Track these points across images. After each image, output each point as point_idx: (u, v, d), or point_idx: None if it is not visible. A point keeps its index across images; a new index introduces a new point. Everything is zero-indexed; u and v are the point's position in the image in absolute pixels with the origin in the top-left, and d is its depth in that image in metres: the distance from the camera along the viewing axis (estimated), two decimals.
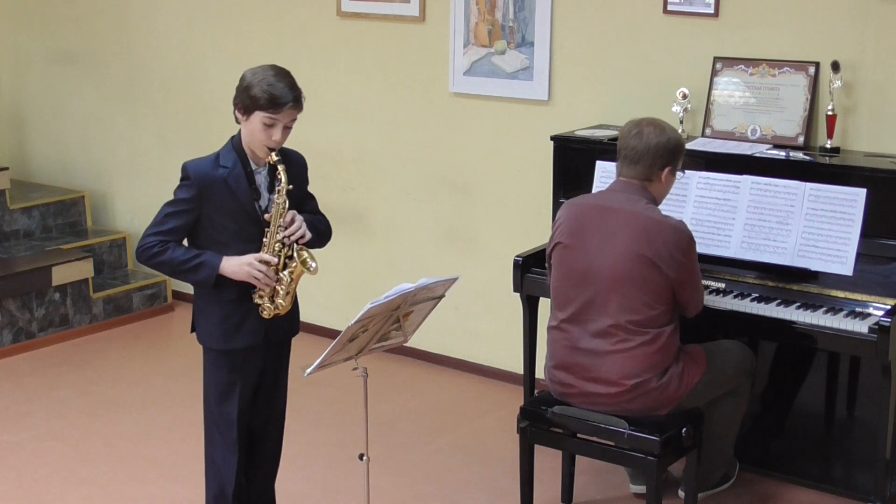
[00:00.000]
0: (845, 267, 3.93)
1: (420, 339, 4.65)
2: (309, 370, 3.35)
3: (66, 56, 6.78)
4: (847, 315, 3.88)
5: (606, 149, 4.48)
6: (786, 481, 4.40)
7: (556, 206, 4.62)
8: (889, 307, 3.87)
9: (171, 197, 3.48)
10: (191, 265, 3.41)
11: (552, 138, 4.70)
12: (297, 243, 3.48)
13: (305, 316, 5.95)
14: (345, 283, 5.88)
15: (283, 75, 3.39)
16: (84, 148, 6.85)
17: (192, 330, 3.62)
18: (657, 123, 3.78)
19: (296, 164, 3.54)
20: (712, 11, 4.56)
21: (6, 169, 6.41)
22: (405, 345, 3.71)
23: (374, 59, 5.56)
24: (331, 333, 5.70)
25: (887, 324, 3.73)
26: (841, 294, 3.98)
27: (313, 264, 3.47)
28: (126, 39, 6.50)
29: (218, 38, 6.09)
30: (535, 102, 5.08)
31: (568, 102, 5.00)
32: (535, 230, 5.02)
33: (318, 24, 5.70)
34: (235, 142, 3.46)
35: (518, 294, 4.51)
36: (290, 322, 3.63)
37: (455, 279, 3.61)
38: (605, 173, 4.40)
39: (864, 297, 3.94)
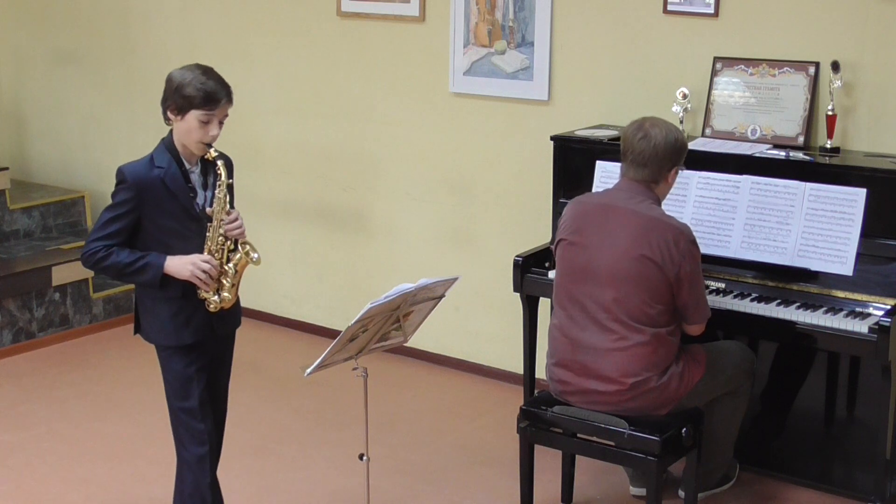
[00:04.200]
0: (845, 267, 3.93)
1: (420, 339, 4.66)
2: (309, 370, 3.35)
3: (67, 56, 6.78)
4: (847, 315, 3.88)
5: (606, 149, 4.48)
6: (786, 481, 4.40)
7: (556, 206, 4.62)
8: (889, 307, 3.87)
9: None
10: (136, 267, 3.45)
11: (552, 138, 4.70)
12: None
13: (305, 316, 6.03)
14: (345, 283, 5.88)
15: (212, 73, 3.48)
16: (84, 148, 6.85)
17: (136, 331, 3.65)
18: (660, 124, 3.77)
19: (228, 162, 3.58)
20: (712, 11, 4.56)
21: (6, 169, 6.41)
22: (405, 345, 3.71)
23: (374, 59, 5.56)
24: (331, 333, 5.70)
25: (887, 324, 3.73)
26: (841, 294, 3.98)
27: (255, 255, 3.52)
28: (126, 39, 6.50)
29: (218, 38, 6.08)
30: (535, 102, 5.08)
31: (568, 102, 5.00)
32: (535, 230, 5.01)
33: (318, 24, 5.70)
34: (167, 142, 3.54)
35: (518, 294, 4.51)
36: (233, 315, 3.66)
37: (455, 279, 3.61)
38: (605, 173, 4.40)
39: (864, 297, 3.94)
